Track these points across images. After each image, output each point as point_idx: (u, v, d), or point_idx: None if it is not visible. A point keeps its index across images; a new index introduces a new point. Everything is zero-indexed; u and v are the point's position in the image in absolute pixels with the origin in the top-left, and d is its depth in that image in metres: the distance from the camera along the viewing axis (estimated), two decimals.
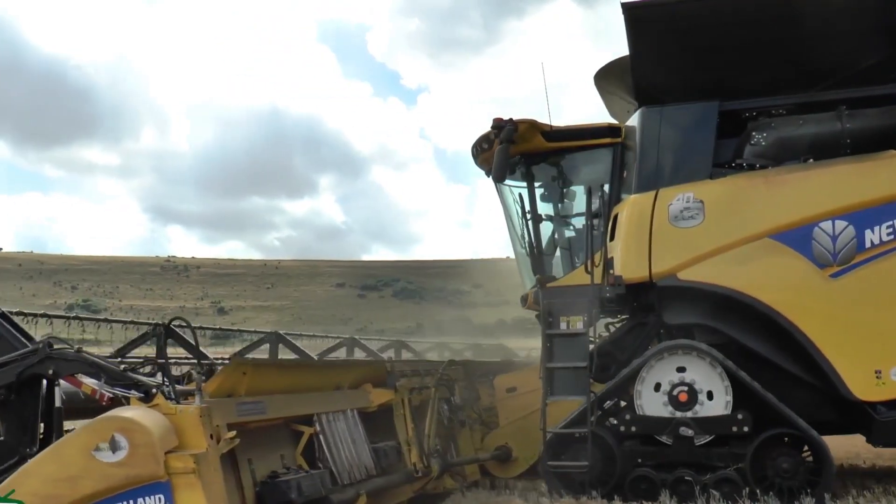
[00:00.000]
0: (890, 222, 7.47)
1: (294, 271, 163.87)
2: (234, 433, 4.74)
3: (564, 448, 7.83)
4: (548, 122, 8.85)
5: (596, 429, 7.75)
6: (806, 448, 7.44)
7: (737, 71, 8.08)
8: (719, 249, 7.81)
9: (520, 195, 9.07)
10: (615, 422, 7.83)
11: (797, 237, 7.63)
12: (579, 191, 8.92)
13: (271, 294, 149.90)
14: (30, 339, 5.06)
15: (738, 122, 8.18)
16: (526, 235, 8.92)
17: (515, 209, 9.10)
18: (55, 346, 4.83)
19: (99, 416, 4.37)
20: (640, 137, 8.24)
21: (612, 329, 8.83)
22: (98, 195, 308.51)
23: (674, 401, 7.73)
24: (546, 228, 9.05)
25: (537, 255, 8.94)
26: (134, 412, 4.36)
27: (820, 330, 7.56)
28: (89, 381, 4.70)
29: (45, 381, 4.82)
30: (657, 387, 7.77)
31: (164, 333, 4.95)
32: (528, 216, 8.96)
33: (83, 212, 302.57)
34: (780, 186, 7.80)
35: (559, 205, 9.02)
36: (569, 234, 9.00)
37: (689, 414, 7.67)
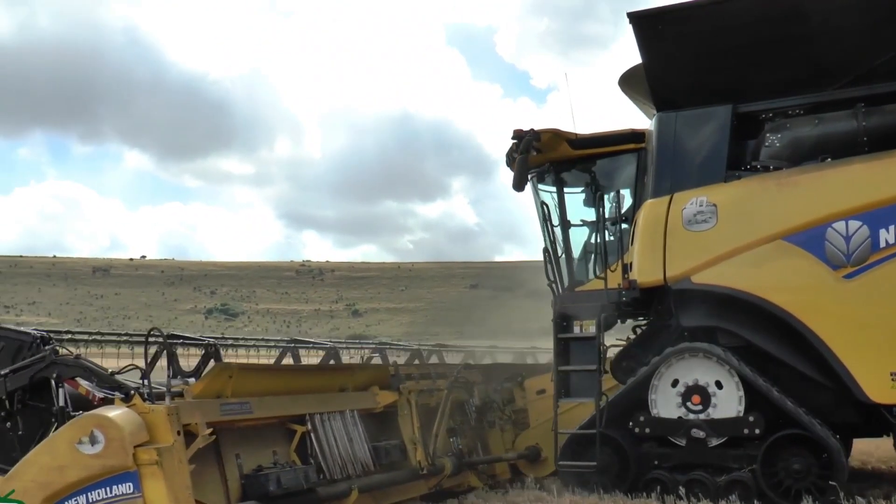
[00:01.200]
0: None
1: (427, 273, 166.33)
2: (210, 430, 5.43)
3: (584, 448, 8.17)
4: (573, 131, 9.19)
5: (608, 430, 8.07)
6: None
7: (750, 73, 8.17)
8: (732, 252, 7.96)
9: (550, 201, 9.45)
10: (631, 423, 8.11)
11: (810, 238, 7.69)
12: (607, 197, 9.19)
13: (405, 296, 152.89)
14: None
15: (755, 124, 8.27)
16: (557, 240, 9.28)
17: (547, 214, 9.46)
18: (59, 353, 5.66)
19: (83, 414, 5.14)
20: (656, 142, 8.47)
21: (639, 331, 9.06)
22: (235, 203, 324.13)
23: (687, 403, 7.96)
24: (575, 234, 9.38)
25: (567, 259, 9.30)
26: (112, 411, 5.10)
27: (833, 332, 7.60)
28: (85, 384, 5.49)
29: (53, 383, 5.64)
30: (671, 389, 8.01)
31: (145, 344, 5.68)
32: (559, 222, 9.34)
33: (221, 220, 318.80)
34: (792, 188, 7.87)
35: (587, 211, 9.32)
36: (595, 239, 9.29)
37: (701, 416, 7.88)
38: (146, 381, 5.36)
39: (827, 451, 7.40)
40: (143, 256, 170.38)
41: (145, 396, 5.24)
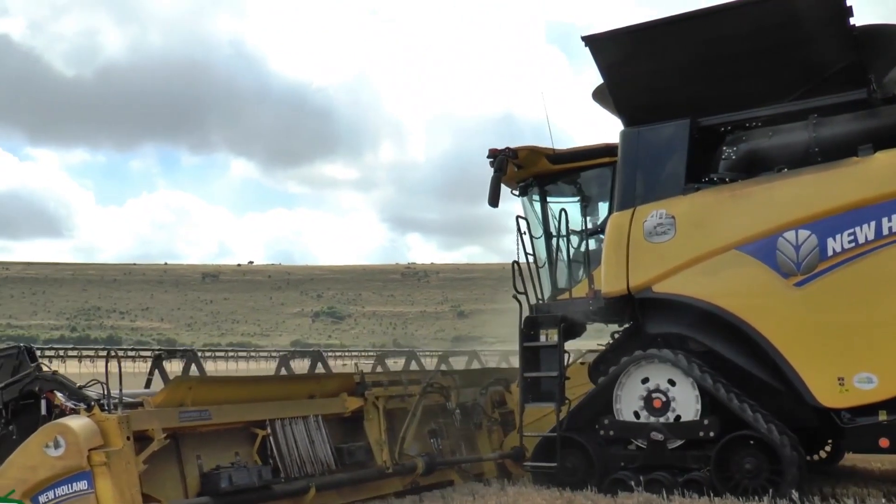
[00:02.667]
0: (851, 230, 7.75)
1: None
2: (166, 435, 6.40)
3: (554, 450, 8.81)
4: (549, 147, 9.84)
5: (575, 433, 8.71)
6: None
7: (706, 88, 8.62)
8: (690, 262, 8.46)
9: (533, 214, 10.11)
10: (598, 426, 8.73)
11: (762, 248, 8.12)
12: (578, 209, 9.80)
13: (510, 296, 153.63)
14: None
15: (713, 137, 8.73)
16: (537, 251, 9.94)
17: (528, 226, 10.11)
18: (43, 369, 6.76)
19: (49, 423, 6.19)
20: (620, 157, 9.03)
21: (616, 337, 9.62)
22: (340, 208, 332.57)
23: (649, 407, 8.52)
24: (555, 245, 10.02)
25: (550, 270, 9.96)
26: (73, 420, 6.14)
27: (784, 338, 8.02)
28: (60, 396, 6.55)
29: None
30: (634, 394, 8.59)
31: (106, 359, 6.67)
32: (540, 233, 10.00)
33: (326, 224, 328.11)
34: (745, 199, 8.31)
35: (566, 223, 9.93)
36: (572, 250, 9.90)
37: (661, 419, 8.42)
38: (105, 394, 6.36)
39: (776, 452, 7.84)
40: (251, 262, 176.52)
41: (104, 407, 6.24)
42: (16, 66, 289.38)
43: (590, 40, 8.71)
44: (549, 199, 10.13)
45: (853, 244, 7.76)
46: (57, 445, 6.04)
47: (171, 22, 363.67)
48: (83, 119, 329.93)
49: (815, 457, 9.98)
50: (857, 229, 7.74)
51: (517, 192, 10.26)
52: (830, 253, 7.84)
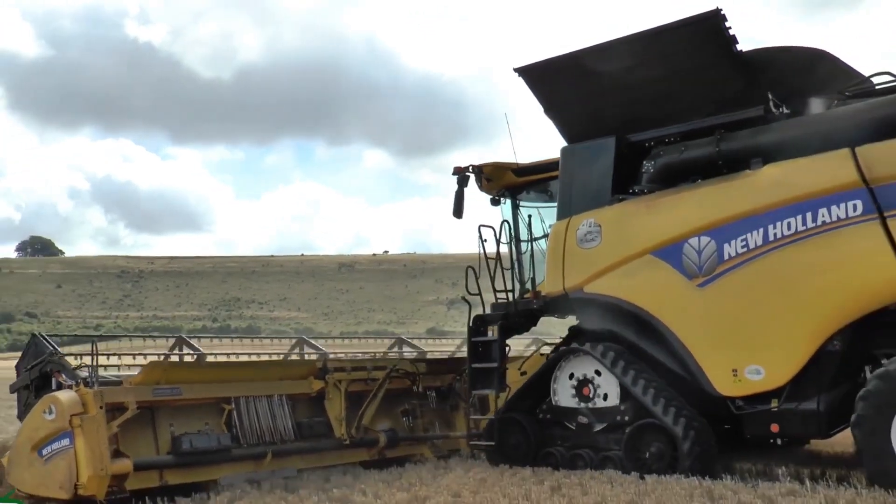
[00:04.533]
0: (744, 236, 8.93)
1: None
2: (137, 407, 8.40)
3: (505, 429, 10.37)
4: (513, 161, 11.37)
5: (518, 415, 10.25)
6: None
7: (628, 108, 9.91)
8: (613, 266, 9.83)
9: (505, 221, 11.63)
10: (537, 410, 10.24)
11: (671, 252, 9.41)
12: (533, 219, 11.29)
13: None
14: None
15: (637, 153, 10.02)
16: (501, 256, 11.47)
17: (504, 232, 11.64)
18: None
19: (46, 395, 8.30)
20: (560, 171, 10.46)
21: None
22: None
23: (579, 394, 9.97)
24: (523, 249, 11.54)
25: (519, 271, 11.49)
26: (62, 393, 8.22)
27: (689, 333, 9.31)
28: (64, 376, 8.65)
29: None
30: (568, 382, 10.06)
31: (93, 347, 8.68)
32: (508, 239, 11.53)
33: None
34: (658, 209, 9.59)
35: (528, 230, 11.44)
36: (535, 254, 11.39)
37: (588, 405, 9.86)
38: (92, 374, 8.41)
39: (674, 438, 9.13)
40: (386, 251, 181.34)
41: (88, 384, 8.29)
42: (157, 72, 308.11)
43: (522, 71, 10.20)
44: (522, 207, 11.64)
45: (745, 249, 8.94)
46: (50, 412, 8.12)
47: (304, 21, 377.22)
48: (222, 118, 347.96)
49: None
50: (748, 235, 8.92)
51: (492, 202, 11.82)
52: (727, 257, 9.05)
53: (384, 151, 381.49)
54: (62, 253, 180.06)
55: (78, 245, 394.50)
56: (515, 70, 10.18)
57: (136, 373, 9.16)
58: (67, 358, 9.36)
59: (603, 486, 8.26)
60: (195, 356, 11.46)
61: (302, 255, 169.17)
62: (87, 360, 8.92)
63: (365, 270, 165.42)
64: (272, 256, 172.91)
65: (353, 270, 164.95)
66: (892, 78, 8.99)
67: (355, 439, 10.12)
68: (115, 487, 8.08)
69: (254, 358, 12.69)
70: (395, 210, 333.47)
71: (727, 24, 8.92)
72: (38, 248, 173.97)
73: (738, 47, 9.05)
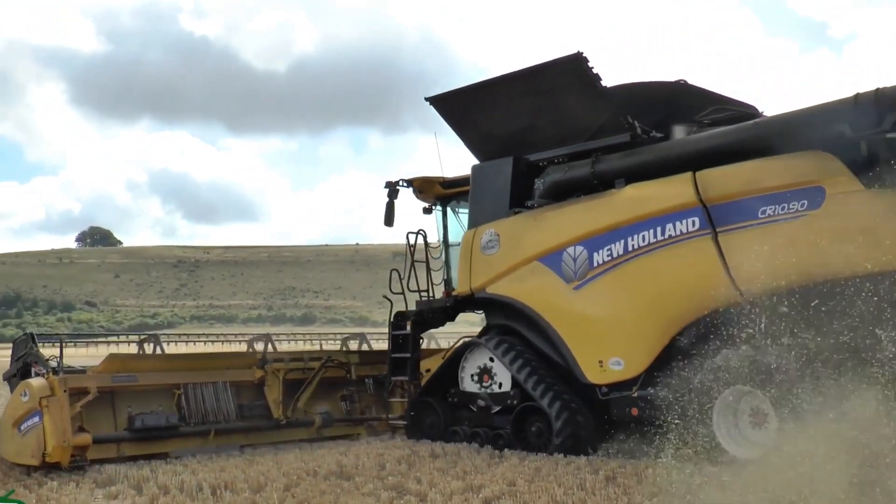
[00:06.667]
0: (609, 246, 10.70)
1: None
2: (95, 389, 10.55)
3: (421, 411, 12.35)
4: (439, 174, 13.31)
5: (431, 398, 12.21)
6: None
7: (522, 133, 11.72)
8: (508, 270, 11.71)
9: (421, 230, 13.60)
10: (447, 394, 12.19)
11: (553, 260, 11.24)
12: (450, 225, 13.25)
13: None
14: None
15: (532, 171, 11.84)
16: (430, 259, 13.42)
17: (437, 236, 13.60)
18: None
19: (23, 381, 10.51)
20: (471, 186, 12.37)
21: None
22: None
23: (480, 380, 11.89)
24: (436, 255, 13.51)
25: (447, 272, 13.42)
26: (34, 380, 10.41)
27: (566, 329, 11.14)
28: (39, 367, 10.85)
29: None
30: (471, 370, 11.98)
31: (59, 344, 10.85)
32: (438, 243, 13.47)
33: None
34: (543, 221, 11.42)
35: (446, 238, 13.39)
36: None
37: (487, 391, 11.77)
38: (59, 365, 10.59)
39: (549, 418, 10.98)
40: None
41: (56, 372, 10.47)
42: (213, 65, 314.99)
43: (433, 100, 12.11)
44: (461, 214, 13.55)
45: (610, 258, 10.72)
46: (25, 395, 10.30)
47: (358, 13, 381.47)
48: (277, 110, 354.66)
49: None
50: (612, 246, 10.70)
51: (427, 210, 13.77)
52: (595, 264, 10.86)
53: (438, 139, 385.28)
54: (120, 243, 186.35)
55: (136, 235, 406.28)
56: (427, 99, 12.09)
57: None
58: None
59: (659, 475, 8.45)
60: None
61: (356, 244, 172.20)
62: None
63: (419, 260, 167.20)
64: (327, 246, 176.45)
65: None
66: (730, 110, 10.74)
67: (291, 420, 12.17)
68: (77, 457, 10.18)
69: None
70: None
71: (590, 65, 10.69)
72: (97, 238, 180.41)
73: (602, 84, 10.82)
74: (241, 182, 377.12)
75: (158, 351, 12.76)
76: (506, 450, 11.01)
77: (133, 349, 14.66)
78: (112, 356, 11.40)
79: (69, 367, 10.85)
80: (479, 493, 8.29)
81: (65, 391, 10.28)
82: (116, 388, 10.92)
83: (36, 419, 10.20)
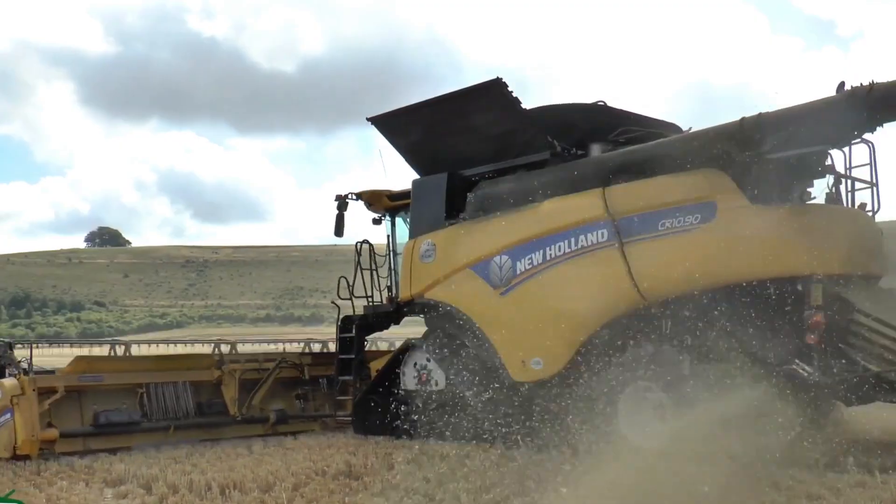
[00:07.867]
0: (530, 255, 11.83)
1: None
2: (62, 388, 11.78)
3: (366, 408, 13.54)
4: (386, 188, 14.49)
5: (373, 396, 13.40)
6: None
7: (455, 150, 12.87)
8: (443, 277, 12.85)
9: (387, 237, 14.76)
10: (393, 391, 13.37)
11: (482, 268, 12.37)
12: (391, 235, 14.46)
13: None
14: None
15: (465, 186, 12.98)
16: (377, 265, 14.59)
17: (387, 245, 14.77)
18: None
19: None
20: (411, 200, 13.54)
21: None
22: None
23: (419, 379, 13.05)
24: (380, 263, 14.69)
25: (393, 278, 14.60)
26: (6, 380, 11.65)
27: (494, 332, 12.26)
28: (11, 369, 12.10)
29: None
30: (412, 370, 13.15)
31: (30, 347, 12.06)
32: (387, 251, 14.65)
33: None
34: (474, 232, 12.54)
35: (392, 246, 14.57)
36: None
37: (426, 388, 12.94)
38: (30, 367, 11.82)
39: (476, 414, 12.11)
40: None
41: (27, 373, 11.71)
42: (221, 65, 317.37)
43: (373, 120, 13.29)
44: (395, 226, 14.73)
45: (531, 266, 11.84)
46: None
47: (365, 13, 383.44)
48: (284, 109, 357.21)
49: None
50: (533, 255, 11.83)
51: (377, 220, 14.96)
52: (518, 272, 11.97)
53: None
54: (129, 243, 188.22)
55: (144, 235, 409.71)
56: (368, 119, 13.28)
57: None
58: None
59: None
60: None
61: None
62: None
63: None
64: (335, 245, 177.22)
65: None
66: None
67: (246, 416, 13.38)
68: (45, 450, 11.43)
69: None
70: None
71: (509, 89, 11.85)
72: (106, 238, 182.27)
73: (521, 106, 11.98)
74: (249, 181, 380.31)
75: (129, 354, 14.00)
76: (516, 450, 11.81)
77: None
78: (79, 358, 12.64)
79: (40, 368, 12.07)
80: (489, 493, 8.47)
81: (34, 390, 11.50)
82: (83, 387, 12.13)
83: (8, 416, 11.43)
